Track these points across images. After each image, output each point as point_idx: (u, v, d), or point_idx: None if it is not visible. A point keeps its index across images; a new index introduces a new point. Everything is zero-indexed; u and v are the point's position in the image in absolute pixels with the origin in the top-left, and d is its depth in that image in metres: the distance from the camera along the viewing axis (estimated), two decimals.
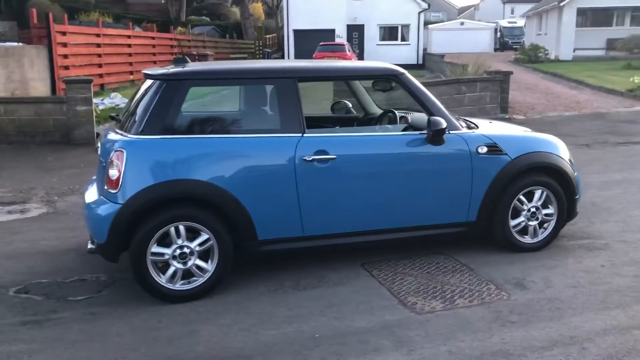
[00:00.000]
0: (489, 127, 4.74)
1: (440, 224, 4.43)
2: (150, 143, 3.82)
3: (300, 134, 4.03)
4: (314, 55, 24.94)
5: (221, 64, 4.44)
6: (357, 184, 4.15)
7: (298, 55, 30.50)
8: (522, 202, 4.56)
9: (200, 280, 3.93)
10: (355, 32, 31.42)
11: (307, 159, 4.00)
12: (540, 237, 4.68)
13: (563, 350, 3.23)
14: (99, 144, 4.27)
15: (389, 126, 4.61)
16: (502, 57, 32.33)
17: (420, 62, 31.27)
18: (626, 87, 15.57)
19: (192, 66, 4.23)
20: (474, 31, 44.85)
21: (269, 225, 3.99)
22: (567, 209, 4.70)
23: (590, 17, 31.01)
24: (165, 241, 3.83)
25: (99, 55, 16.99)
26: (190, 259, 3.88)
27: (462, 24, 45.22)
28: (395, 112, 4.74)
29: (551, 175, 4.60)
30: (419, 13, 31.38)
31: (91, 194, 4.24)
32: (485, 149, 4.39)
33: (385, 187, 4.22)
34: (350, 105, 5.72)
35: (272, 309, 3.79)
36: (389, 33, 31.86)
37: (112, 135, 4.11)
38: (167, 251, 3.84)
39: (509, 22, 46.95)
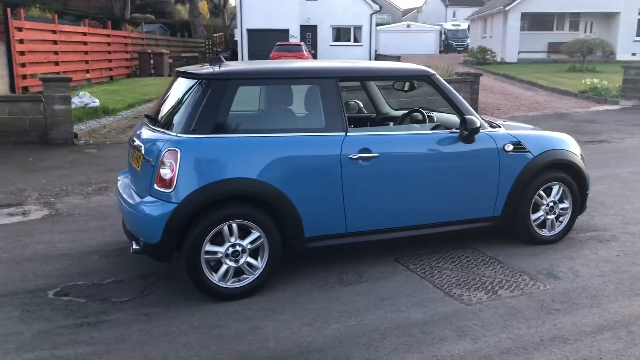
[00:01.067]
0: (511, 127, 4.97)
1: (470, 218, 4.63)
2: (204, 142, 3.83)
3: (344, 133, 4.13)
4: (271, 55, 24.96)
5: (266, 64, 4.47)
6: (397, 180, 4.28)
7: (252, 55, 30.38)
8: (541, 197, 4.82)
9: (250, 278, 3.96)
10: (309, 32, 31.60)
11: (353, 157, 4.10)
12: (557, 230, 4.95)
13: (613, 334, 3.46)
14: (136, 141, 4.22)
15: (417, 125, 4.75)
16: (450, 59, 33.20)
17: None
18: (578, 88, 16.40)
19: (238, 66, 4.25)
20: (420, 33, 45.89)
21: (315, 222, 4.07)
22: (580, 203, 4.99)
23: (533, 22, 32.34)
24: (217, 240, 3.84)
25: (56, 53, 16.43)
26: (242, 257, 3.91)
27: (408, 26, 46.18)
28: (424, 111, 4.90)
29: (567, 171, 4.88)
30: (371, 15, 31.88)
31: (129, 194, 4.19)
32: (511, 147, 4.61)
33: (422, 183, 4.38)
34: (362, 104, 5.86)
35: (326, 304, 3.87)
36: (342, 34, 32.21)
37: (153, 134, 4.07)
38: (220, 249, 3.85)
39: (453, 25, 48.27)
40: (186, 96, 4.13)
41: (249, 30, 30.37)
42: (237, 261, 3.90)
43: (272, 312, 3.77)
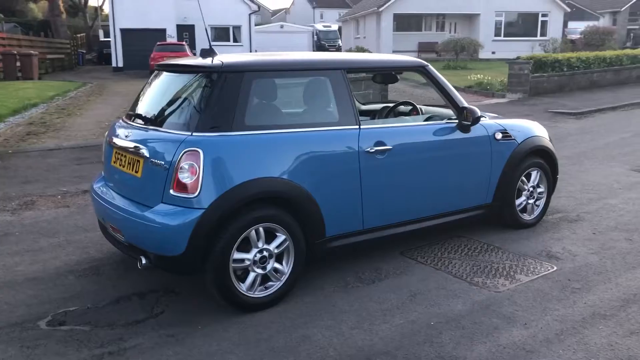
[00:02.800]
0: (493, 117, 5.10)
1: (468, 207, 4.69)
2: (227, 140, 3.49)
3: (357, 126, 3.98)
4: (152, 56, 23.84)
5: (277, 55, 4.16)
6: (407, 173, 4.22)
7: (127, 56, 28.77)
8: (523, 183, 5.00)
9: (277, 285, 3.69)
10: (186, 32, 30.59)
11: (370, 150, 3.96)
12: (536, 213, 5.18)
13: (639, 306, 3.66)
14: (125, 143, 3.76)
15: (413, 117, 4.72)
16: None
17: None
18: (463, 84, 17.43)
19: (247, 57, 3.94)
20: (293, 34, 46.28)
21: (335, 220, 3.88)
22: (552, 187, 5.26)
23: (404, 22, 33.93)
24: (243, 246, 3.53)
25: None
26: (268, 263, 3.63)
27: (282, 27, 46.40)
28: (414, 103, 4.88)
29: (543, 157, 5.12)
30: (250, 15, 31.59)
31: (124, 203, 3.73)
32: (500, 135, 4.74)
33: (429, 175, 4.35)
34: None
35: (361, 304, 3.70)
36: (221, 34, 31.56)
37: (157, 134, 3.65)
38: (248, 256, 3.54)
39: (324, 27, 49.25)
40: (190, 91, 3.77)
41: (123, 30, 28.73)
42: (264, 268, 3.61)
43: (310, 318, 3.53)
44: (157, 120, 3.79)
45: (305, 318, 3.54)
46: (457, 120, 4.49)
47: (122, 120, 4.26)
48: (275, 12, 71.77)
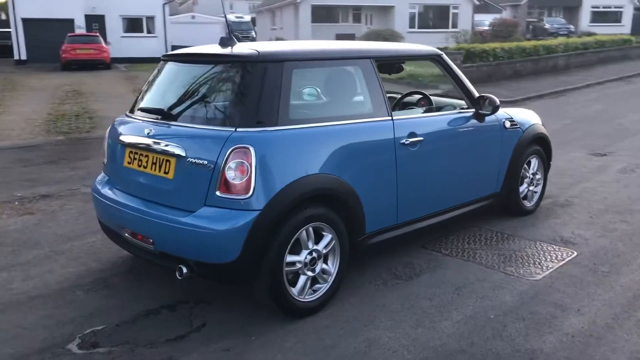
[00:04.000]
0: None
1: (483, 197, 4.68)
2: (277, 136, 3.23)
3: (390, 117, 3.84)
4: (63, 48, 22.38)
5: (306, 44, 3.90)
6: (436, 163, 4.14)
7: (31, 49, 26.80)
8: (525, 170, 5.07)
9: (324, 287, 3.49)
10: (96, 22, 28.88)
11: (405, 142, 3.84)
12: (534, 200, 5.27)
13: None
14: (146, 142, 3.42)
15: (425, 107, 4.64)
16: None
17: None
18: (395, 76, 17.65)
19: (282, 46, 3.68)
20: (206, 25, 44.99)
21: (374, 216, 3.73)
22: (546, 174, 5.39)
23: (321, 14, 34.00)
24: (293, 248, 3.30)
25: None
26: (317, 265, 3.42)
27: (193, 17, 45.04)
28: (425, 92, 4.79)
29: (541, 144, 5.21)
30: (164, 5, 30.32)
31: (150, 206, 3.38)
32: (508, 124, 4.77)
33: (453, 165, 4.30)
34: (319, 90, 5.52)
35: (411, 302, 3.58)
36: (134, 25, 30.10)
37: (190, 130, 3.32)
38: (299, 259, 3.32)
39: (237, 17, 48.39)
40: (222, 83, 3.48)
41: (25, 20, 26.67)
42: (313, 270, 3.41)
43: (366, 320, 3.37)
44: (185, 115, 3.46)
45: (361, 320, 3.37)
46: (472, 110, 4.45)
47: (129, 116, 3.88)
48: (182, 2, 69.65)
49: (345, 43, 4.32)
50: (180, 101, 3.58)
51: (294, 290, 3.33)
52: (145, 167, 3.50)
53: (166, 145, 3.34)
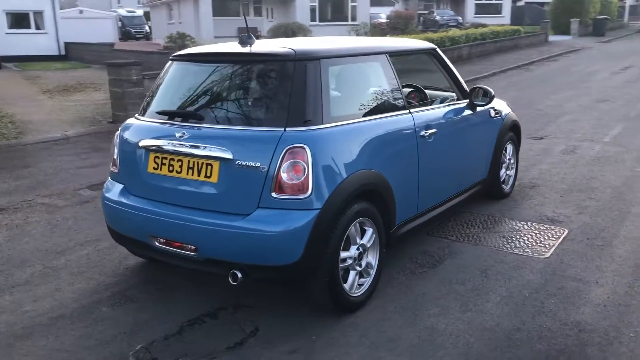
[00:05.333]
0: None
1: (475, 183, 4.92)
2: (326, 134, 3.22)
3: (408, 111, 3.95)
4: None
5: (332, 41, 3.83)
6: (446, 154, 4.30)
7: None
8: (503, 156, 5.38)
9: (368, 281, 3.54)
10: None
11: (424, 134, 3.96)
12: (510, 183, 5.61)
13: None
14: (181, 147, 3.29)
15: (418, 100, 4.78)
16: (148, 45, 32.16)
17: (63, 52, 28.62)
18: None
19: (314, 44, 3.63)
20: (96, 20, 42.79)
21: (402, 207, 3.82)
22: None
23: (222, 8, 33.41)
24: (344, 244, 3.32)
25: None
26: (363, 259, 3.47)
27: (81, 12, 42.63)
28: (418, 85, 4.92)
29: (515, 131, 5.55)
30: None
31: (193, 213, 3.26)
32: (493, 113, 5.03)
33: (458, 154, 4.49)
34: None
35: (447, 288, 3.72)
36: (20, 20, 27.95)
37: (236, 132, 3.23)
38: (350, 254, 3.35)
39: (128, 12, 46.44)
40: (259, 83, 3.42)
41: None
42: (360, 264, 3.45)
43: (414, 309, 3.46)
44: (222, 117, 3.36)
45: (409, 310, 3.45)
46: (467, 101, 4.66)
47: (142, 119, 3.69)
48: None
49: (359, 39, 4.35)
50: (212, 103, 3.47)
51: (346, 286, 3.35)
52: (179, 172, 3.36)
53: (207, 149, 3.22)
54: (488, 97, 4.59)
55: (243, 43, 3.59)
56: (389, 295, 3.63)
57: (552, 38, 29.06)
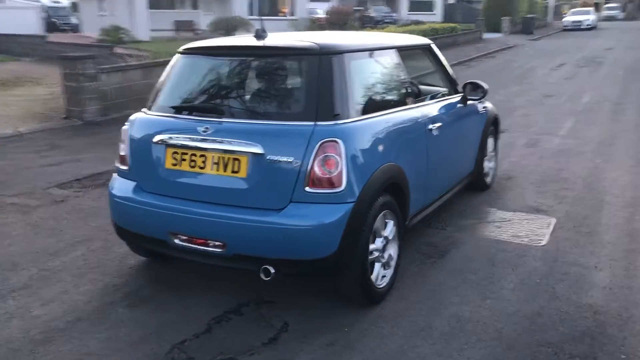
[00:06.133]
0: None
1: (466, 175, 5.07)
2: (356, 127, 3.24)
3: (415, 105, 4.03)
4: None
5: (350, 36, 3.82)
6: (448, 147, 4.42)
7: None
8: (487, 149, 5.57)
9: (389, 272, 3.60)
10: None
11: (431, 128, 4.06)
12: (491, 175, 5.81)
13: None
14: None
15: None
16: (79, 38, 30.90)
17: None
18: None
19: (335, 39, 3.63)
20: (18, 10, 40.71)
21: (414, 200, 3.90)
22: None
23: (159, 0, 32.55)
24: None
25: None
26: (386, 251, 3.53)
27: (1, 1, 40.45)
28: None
29: (495, 124, 5.75)
30: None
31: (219, 209, 3.21)
32: (481, 107, 5.21)
33: (456, 147, 4.65)
34: None
35: (461, 278, 3.82)
36: None
37: (265, 127, 3.19)
38: (376, 246, 3.40)
39: (54, 2, 44.50)
40: (283, 77, 3.41)
41: None
42: (383, 256, 3.51)
43: (436, 299, 3.54)
44: (248, 111, 3.33)
45: (432, 299, 3.54)
46: (460, 95, 4.79)
47: (151, 114, 3.59)
48: None
49: (367, 34, 4.39)
50: (234, 97, 3.44)
51: (373, 278, 3.40)
52: (202, 168, 3.29)
53: (235, 144, 3.17)
54: (481, 91, 4.74)
55: (258, 37, 3.55)
56: (407, 286, 3.71)
57: (486, 35, 30.12)
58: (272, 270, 3.11)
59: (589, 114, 9.91)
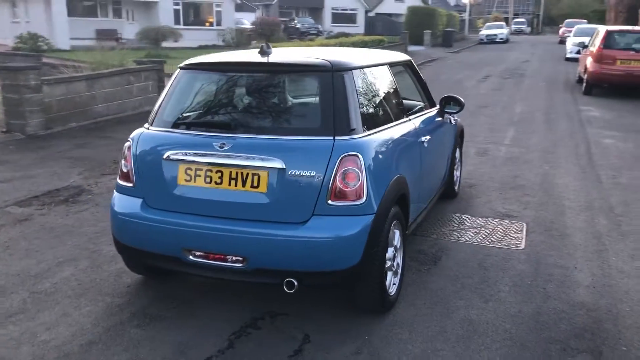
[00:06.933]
0: None
1: (441, 184, 5.30)
2: (372, 141, 3.35)
3: (409, 118, 4.21)
4: None
5: (352, 53, 3.88)
6: (433, 158, 4.64)
7: None
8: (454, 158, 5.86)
9: (397, 280, 3.73)
10: None
11: (422, 140, 4.25)
12: (458, 183, 6.10)
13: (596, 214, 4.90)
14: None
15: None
16: None
17: None
18: None
19: (338, 56, 3.71)
20: None
21: (413, 209, 4.05)
22: None
23: (78, 8, 31.40)
24: None
25: None
26: (395, 260, 3.66)
27: None
28: None
29: (461, 136, 6.05)
30: None
31: (239, 224, 3.23)
32: (453, 120, 5.47)
33: (438, 158, 4.85)
34: None
35: (460, 284, 4.01)
36: None
37: (286, 143, 3.24)
38: (389, 255, 3.53)
39: None
40: (295, 92, 3.52)
41: None
42: (394, 265, 3.64)
43: (442, 304, 3.70)
44: (265, 127, 3.37)
45: (439, 305, 3.69)
46: (437, 109, 5.03)
47: (155, 129, 3.56)
48: None
49: (360, 50, 4.52)
50: (248, 112, 3.48)
51: (386, 285, 3.52)
52: (218, 184, 3.29)
53: (254, 159, 3.20)
54: (459, 105, 4.99)
55: (263, 53, 3.60)
56: (411, 293, 3.85)
57: (410, 48, 31.13)
58: (295, 283, 3.16)
59: (525, 123, 10.53)
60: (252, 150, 3.24)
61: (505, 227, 5.12)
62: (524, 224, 5.20)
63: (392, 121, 3.85)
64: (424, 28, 34.28)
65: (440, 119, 4.99)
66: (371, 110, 3.66)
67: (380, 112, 3.81)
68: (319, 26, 42.87)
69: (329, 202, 3.16)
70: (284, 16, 47.84)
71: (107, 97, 10.07)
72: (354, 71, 3.50)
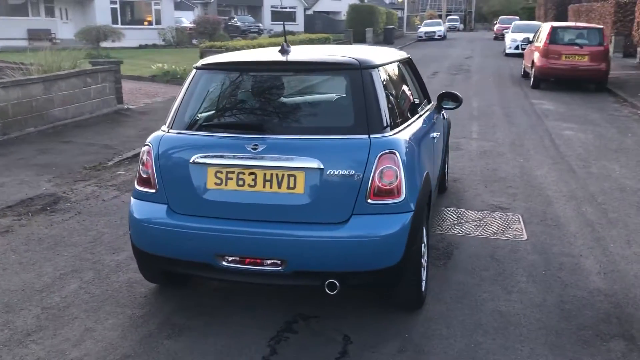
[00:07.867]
0: None
1: (439, 177, 5.36)
2: (405, 139, 3.35)
3: (420, 115, 4.24)
4: None
5: (373, 50, 3.82)
6: (437, 152, 4.68)
7: None
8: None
9: (424, 276, 3.75)
10: None
11: (434, 136, 4.29)
12: (447, 178, 6.20)
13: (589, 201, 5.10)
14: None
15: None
16: None
17: None
18: (148, 73, 17.00)
19: (359, 53, 3.67)
20: None
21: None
22: None
23: (6, 7, 29.89)
24: None
25: None
26: (424, 256, 3.68)
27: None
28: None
29: (448, 130, 6.15)
30: None
31: (276, 227, 3.16)
32: (445, 115, 5.55)
33: (439, 152, 4.90)
34: None
35: (478, 276, 4.07)
36: None
37: (323, 142, 3.19)
38: (423, 251, 3.54)
39: None
40: (324, 91, 3.48)
41: None
42: (425, 261, 3.66)
43: (469, 298, 3.75)
44: (298, 127, 3.31)
45: (466, 299, 3.74)
46: (435, 104, 5.08)
47: (181, 132, 3.43)
48: None
49: (372, 48, 4.50)
50: (277, 112, 3.39)
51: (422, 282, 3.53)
52: (252, 186, 3.20)
53: (290, 160, 3.14)
54: (456, 101, 5.06)
55: (283, 52, 3.54)
56: (435, 288, 3.87)
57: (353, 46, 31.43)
58: (337, 284, 3.12)
59: (486, 118, 10.81)
60: (287, 150, 3.17)
61: (502, 219, 5.24)
62: (519, 215, 5.33)
63: (410, 118, 3.86)
64: (365, 26, 34.63)
65: (438, 115, 5.05)
66: (395, 107, 3.65)
67: (402, 109, 3.82)
68: (260, 24, 42.58)
69: (369, 200, 3.13)
70: (222, 14, 47.13)
71: (65, 100, 9.63)
72: (379, 68, 3.49)
